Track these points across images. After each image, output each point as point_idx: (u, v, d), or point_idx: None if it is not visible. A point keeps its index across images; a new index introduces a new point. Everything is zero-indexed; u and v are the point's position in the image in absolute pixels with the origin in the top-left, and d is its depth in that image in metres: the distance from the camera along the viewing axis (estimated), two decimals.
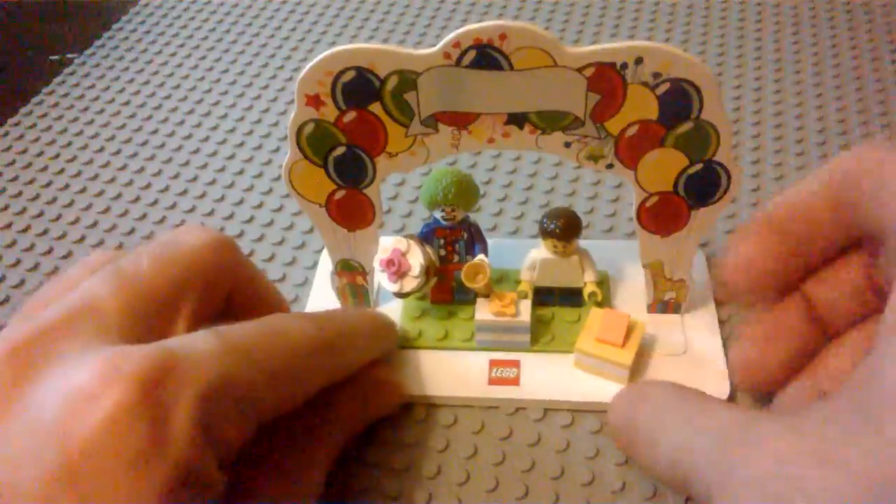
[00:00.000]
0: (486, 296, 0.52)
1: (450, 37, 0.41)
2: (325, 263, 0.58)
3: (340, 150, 0.47)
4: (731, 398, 0.50)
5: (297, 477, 0.41)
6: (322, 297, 0.58)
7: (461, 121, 0.45)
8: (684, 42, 0.83)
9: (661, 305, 0.54)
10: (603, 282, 0.56)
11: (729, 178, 0.46)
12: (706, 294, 0.56)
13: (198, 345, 0.32)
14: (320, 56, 0.43)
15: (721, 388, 0.50)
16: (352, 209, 0.50)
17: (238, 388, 0.32)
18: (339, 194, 0.49)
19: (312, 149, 0.47)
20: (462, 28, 0.41)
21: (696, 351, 0.53)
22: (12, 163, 0.74)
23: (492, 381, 0.52)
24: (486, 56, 0.41)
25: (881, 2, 0.88)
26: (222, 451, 0.32)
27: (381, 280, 0.52)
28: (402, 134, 0.46)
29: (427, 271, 0.51)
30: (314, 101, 0.44)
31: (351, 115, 0.45)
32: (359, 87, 0.44)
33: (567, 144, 0.45)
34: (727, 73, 0.79)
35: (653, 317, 0.55)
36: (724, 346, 0.53)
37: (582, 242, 0.53)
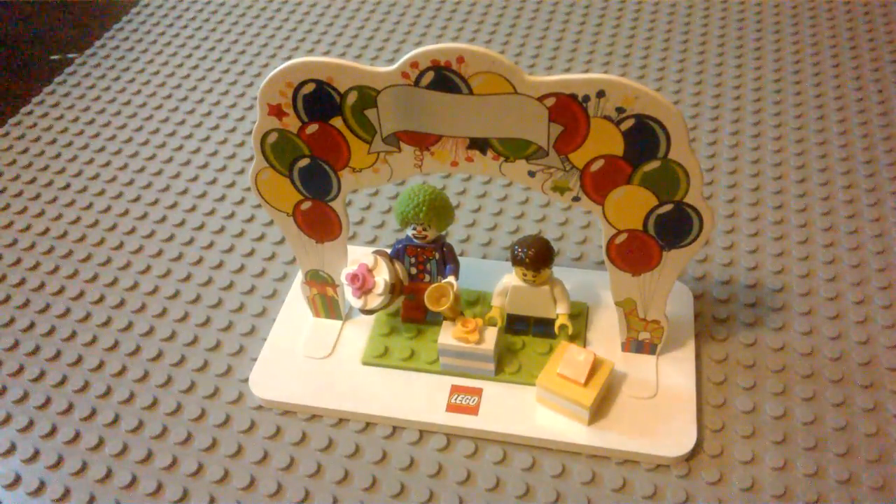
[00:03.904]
0: (453, 319, 0.51)
1: (407, 56, 0.40)
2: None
3: (305, 162, 0.47)
4: (698, 445, 0.49)
5: None
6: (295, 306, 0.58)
7: (423, 141, 0.44)
8: (684, 41, 0.83)
9: (636, 344, 0.52)
10: (580, 314, 0.54)
11: (701, 221, 0.44)
12: (686, 333, 0.54)
13: None
14: (278, 67, 0.42)
15: (688, 436, 0.49)
16: (318, 221, 0.50)
17: None
18: (306, 205, 0.49)
19: (277, 158, 0.47)
20: (420, 48, 0.40)
21: (667, 394, 0.50)
22: (13, 162, 0.74)
23: (450, 408, 0.50)
24: (444, 78, 0.41)
25: (881, 1, 0.88)
26: None
27: (347, 294, 0.51)
28: (365, 150, 0.45)
29: (393, 289, 0.50)
30: (276, 110, 0.44)
31: (313, 128, 0.45)
32: (319, 101, 0.43)
33: (531, 174, 0.44)
34: (727, 73, 0.79)
35: (626, 355, 0.52)
36: (698, 390, 0.51)
37: (566, 271, 0.51)
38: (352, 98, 0.43)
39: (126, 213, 0.68)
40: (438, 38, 0.86)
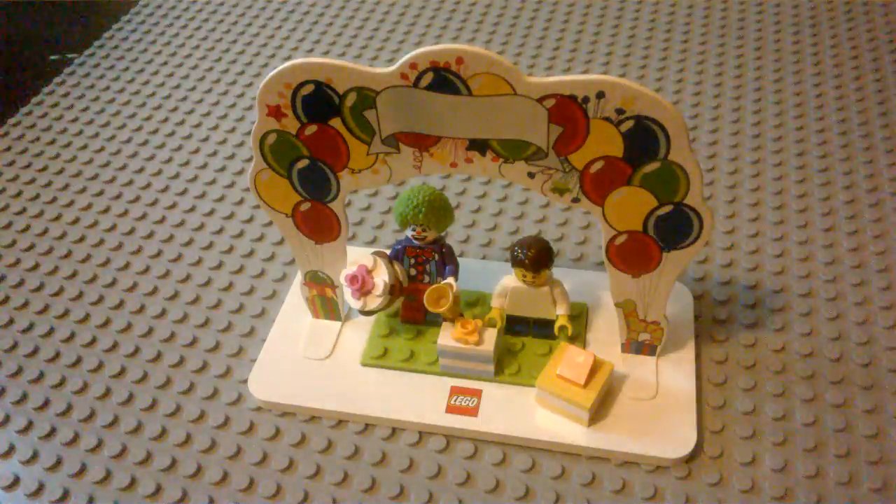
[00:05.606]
0: (452, 320, 0.51)
1: (406, 57, 0.40)
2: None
3: (304, 163, 0.46)
4: (698, 447, 0.49)
5: None
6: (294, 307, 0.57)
7: (422, 143, 0.44)
8: (684, 41, 0.83)
9: (636, 346, 0.52)
10: (580, 314, 0.54)
11: (701, 222, 0.44)
12: (686, 334, 0.54)
13: None
14: (277, 68, 0.42)
15: (688, 437, 0.49)
16: (317, 222, 0.50)
17: None
18: (305, 206, 0.49)
19: (276, 159, 0.47)
20: (419, 49, 0.40)
21: (667, 396, 0.50)
22: (12, 163, 0.74)
23: (449, 410, 0.50)
24: (443, 79, 0.40)
25: (881, 1, 0.88)
26: None
27: (346, 295, 0.51)
28: (364, 152, 0.45)
29: (392, 290, 0.50)
30: (275, 111, 0.44)
31: (312, 129, 0.45)
32: (318, 102, 0.43)
33: (531, 175, 0.44)
34: (727, 73, 0.79)
35: (626, 357, 0.52)
36: (698, 392, 0.51)
37: (566, 271, 0.51)
38: (351, 99, 0.43)
39: (125, 213, 0.68)
40: (438, 39, 0.85)
